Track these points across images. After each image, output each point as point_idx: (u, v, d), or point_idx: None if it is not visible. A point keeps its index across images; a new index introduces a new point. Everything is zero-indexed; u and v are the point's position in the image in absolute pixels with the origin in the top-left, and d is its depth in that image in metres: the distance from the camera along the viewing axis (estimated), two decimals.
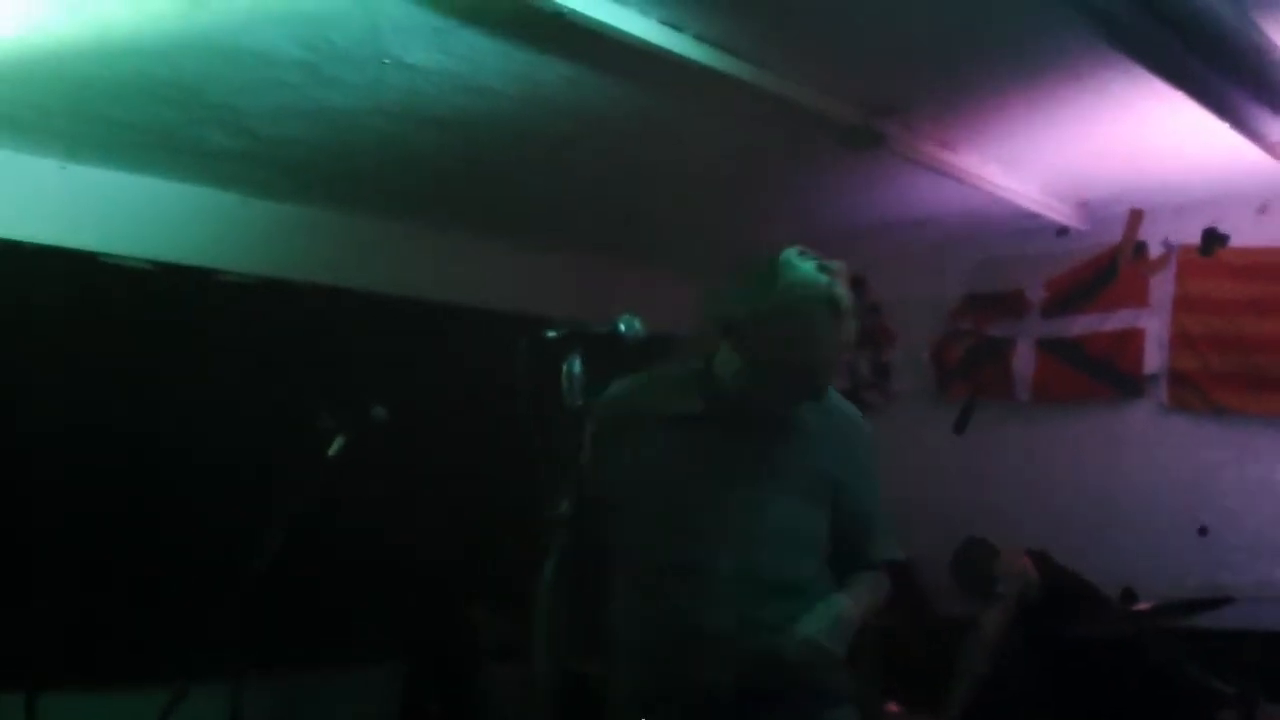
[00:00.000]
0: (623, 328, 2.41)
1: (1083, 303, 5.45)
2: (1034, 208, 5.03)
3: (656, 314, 2.58)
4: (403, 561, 5.07)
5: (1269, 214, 4.94)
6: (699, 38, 3.32)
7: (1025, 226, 5.35)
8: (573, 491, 2.50)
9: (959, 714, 4.11)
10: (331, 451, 3.21)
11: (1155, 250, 5.26)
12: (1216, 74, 3.10)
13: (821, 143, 4.15)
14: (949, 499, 5.33)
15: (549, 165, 4.58)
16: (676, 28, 3.26)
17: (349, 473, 3.21)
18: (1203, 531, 4.99)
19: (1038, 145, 4.35)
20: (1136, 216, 5.30)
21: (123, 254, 4.66)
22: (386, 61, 3.47)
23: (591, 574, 2.53)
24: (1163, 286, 5.21)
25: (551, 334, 2.36)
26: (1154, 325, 5.22)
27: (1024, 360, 5.60)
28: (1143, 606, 4.10)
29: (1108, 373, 5.34)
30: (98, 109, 3.89)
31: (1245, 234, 5.00)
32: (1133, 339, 5.27)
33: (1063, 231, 5.41)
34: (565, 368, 2.34)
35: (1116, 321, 5.33)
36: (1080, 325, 5.44)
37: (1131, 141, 4.26)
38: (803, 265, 2.34)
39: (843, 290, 2.35)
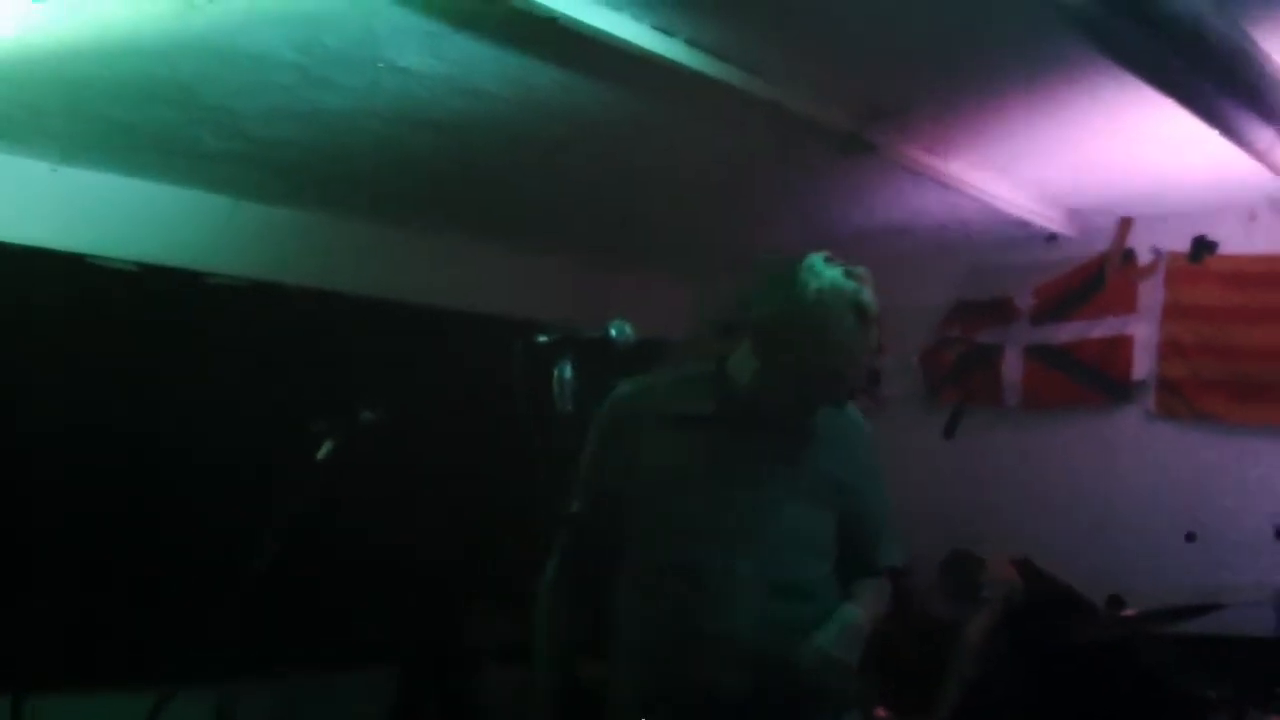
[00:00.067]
0: (614, 333, 2.43)
1: (1071, 310, 5.46)
2: (1024, 215, 5.04)
3: (651, 317, 2.59)
4: (402, 562, 5.08)
5: (1258, 222, 4.95)
6: (691, 43, 3.33)
7: (1015, 234, 5.37)
8: (581, 490, 2.51)
9: (948, 717, 4.13)
10: (320, 455, 3.22)
11: (1144, 258, 5.27)
12: (1206, 81, 3.10)
13: (813, 148, 4.16)
14: (939, 504, 5.32)
15: (543, 169, 4.58)
16: (669, 33, 3.27)
17: (346, 474, 3.21)
18: (1190, 537, 4.99)
19: (1029, 151, 4.36)
20: (1125, 224, 5.32)
21: (114, 256, 4.66)
22: (381, 65, 3.48)
23: (593, 574, 2.53)
24: (1152, 294, 5.22)
25: (543, 339, 2.37)
26: (1143, 332, 5.23)
27: (1013, 366, 5.61)
28: (1129, 613, 4.12)
29: (1097, 379, 5.35)
30: (93, 109, 3.89)
31: (1234, 242, 5.01)
32: (1122, 346, 5.28)
33: (1052, 239, 5.43)
34: (556, 373, 2.35)
35: (1105, 328, 5.33)
36: (1069, 332, 5.45)
37: (1121, 148, 4.26)
38: (829, 270, 2.34)
39: (870, 296, 2.35)
